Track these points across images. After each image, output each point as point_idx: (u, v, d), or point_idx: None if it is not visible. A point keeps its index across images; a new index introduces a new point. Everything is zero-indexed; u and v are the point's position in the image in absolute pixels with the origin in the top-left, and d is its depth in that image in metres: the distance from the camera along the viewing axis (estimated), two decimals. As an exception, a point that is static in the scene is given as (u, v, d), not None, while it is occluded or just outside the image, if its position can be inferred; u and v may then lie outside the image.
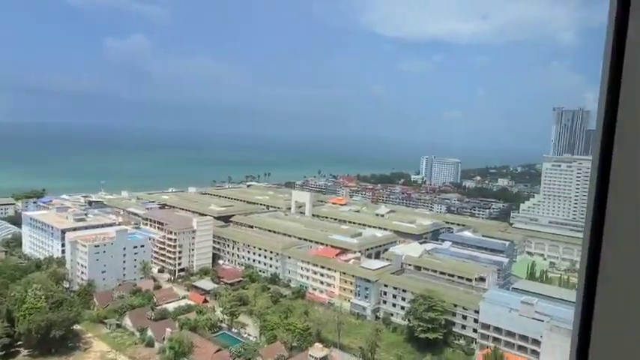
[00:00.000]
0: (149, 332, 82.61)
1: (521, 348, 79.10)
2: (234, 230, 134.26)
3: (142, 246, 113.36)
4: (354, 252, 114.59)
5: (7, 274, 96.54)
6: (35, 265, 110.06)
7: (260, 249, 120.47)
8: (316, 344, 78.59)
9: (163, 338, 79.67)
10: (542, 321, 77.38)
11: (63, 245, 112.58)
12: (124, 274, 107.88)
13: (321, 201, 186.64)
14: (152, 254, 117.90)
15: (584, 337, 1.90)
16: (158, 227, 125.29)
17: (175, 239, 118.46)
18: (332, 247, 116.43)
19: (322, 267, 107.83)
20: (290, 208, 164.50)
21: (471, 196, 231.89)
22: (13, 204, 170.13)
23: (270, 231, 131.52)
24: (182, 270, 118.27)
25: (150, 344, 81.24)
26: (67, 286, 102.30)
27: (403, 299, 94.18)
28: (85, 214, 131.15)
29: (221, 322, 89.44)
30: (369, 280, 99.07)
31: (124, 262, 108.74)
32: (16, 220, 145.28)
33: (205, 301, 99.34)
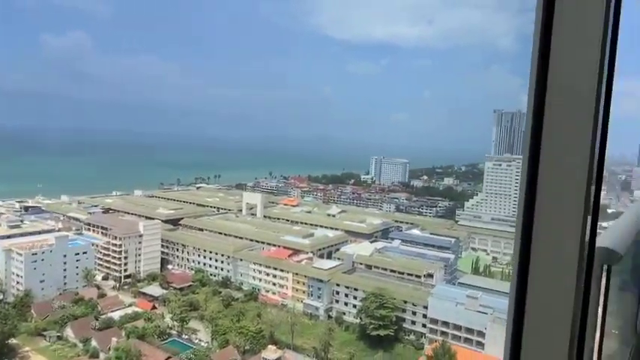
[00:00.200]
0: (93, 343, 78.95)
1: (467, 340, 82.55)
2: (184, 233, 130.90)
3: (85, 252, 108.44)
4: (307, 252, 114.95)
5: None
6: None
7: (211, 252, 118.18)
8: (270, 346, 78.34)
9: (109, 348, 76.42)
10: (486, 313, 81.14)
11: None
12: (65, 283, 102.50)
13: (273, 202, 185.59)
14: (96, 261, 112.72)
15: (518, 326, 2.08)
16: (102, 232, 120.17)
17: (121, 244, 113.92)
18: (284, 248, 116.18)
19: (275, 268, 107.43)
20: (241, 210, 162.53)
21: (418, 195, 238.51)
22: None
23: (220, 233, 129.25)
24: (128, 276, 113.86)
25: (94, 355, 77.71)
26: (1, 297, 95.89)
27: (355, 298, 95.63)
28: (21, 221, 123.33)
29: (171, 328, 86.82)
30: (321, 280, 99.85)
31: (65, 270, 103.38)
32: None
33: (154, 307, 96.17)
